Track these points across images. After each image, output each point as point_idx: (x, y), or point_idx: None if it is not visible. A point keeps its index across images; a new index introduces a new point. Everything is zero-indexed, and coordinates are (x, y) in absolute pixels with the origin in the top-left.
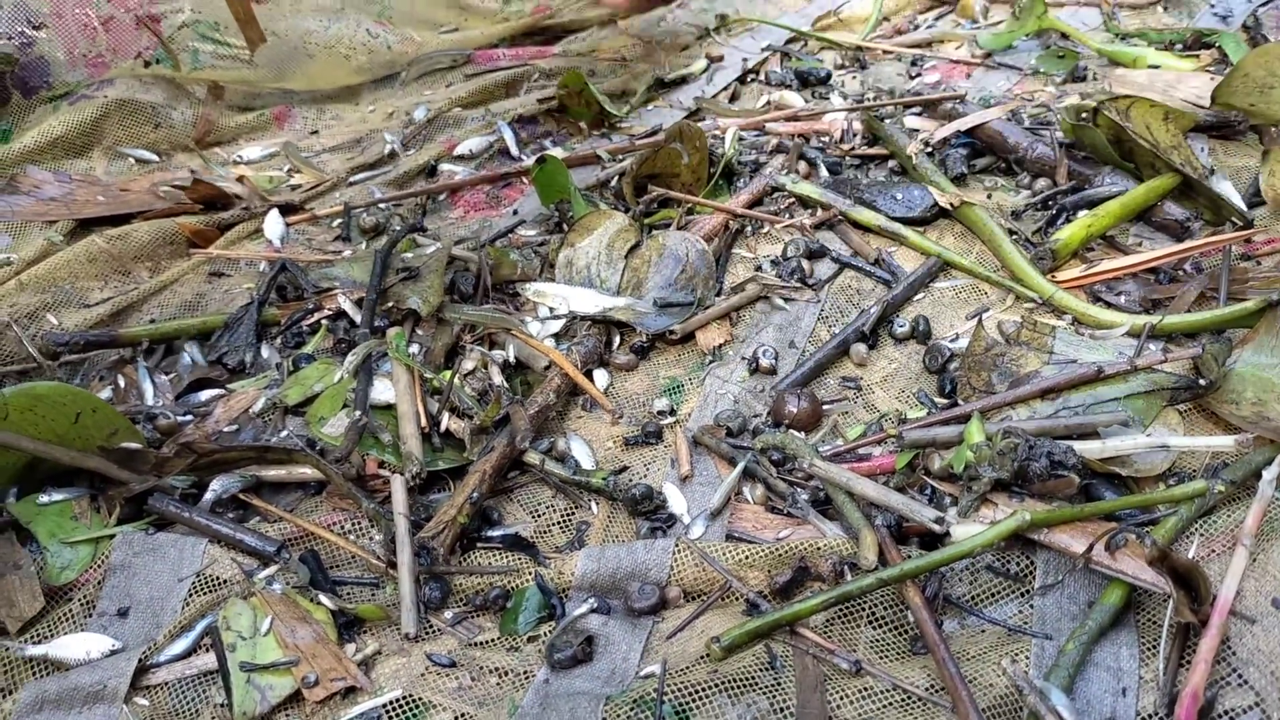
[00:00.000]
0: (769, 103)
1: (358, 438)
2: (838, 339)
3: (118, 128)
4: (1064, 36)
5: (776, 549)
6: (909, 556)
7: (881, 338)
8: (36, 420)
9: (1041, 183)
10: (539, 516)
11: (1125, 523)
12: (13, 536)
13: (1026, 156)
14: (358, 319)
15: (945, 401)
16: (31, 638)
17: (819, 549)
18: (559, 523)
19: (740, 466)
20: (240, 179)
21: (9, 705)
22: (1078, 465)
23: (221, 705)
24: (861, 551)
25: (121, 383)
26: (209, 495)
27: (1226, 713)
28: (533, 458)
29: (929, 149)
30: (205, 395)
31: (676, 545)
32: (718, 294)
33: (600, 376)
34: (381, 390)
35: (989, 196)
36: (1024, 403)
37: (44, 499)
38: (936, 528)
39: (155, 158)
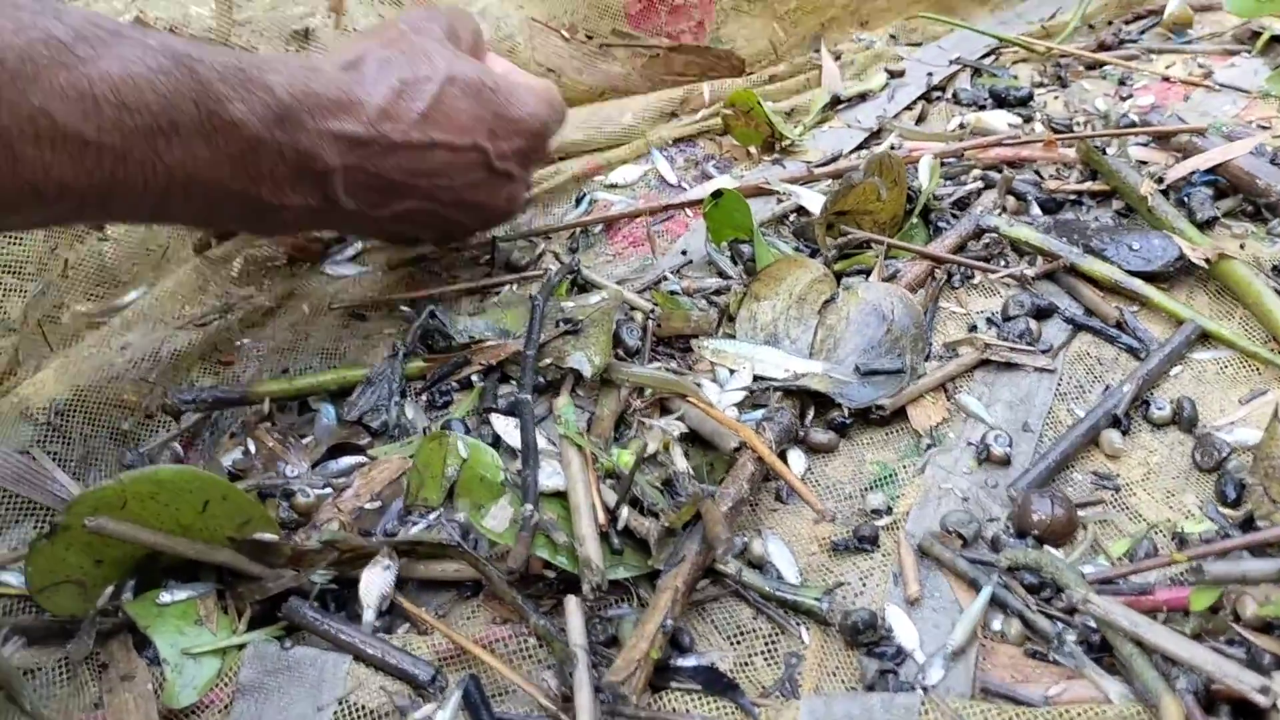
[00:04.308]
0: (962, 125)
1: (530, 541)
2: (1085, 424)
3: None
4: None
5: (1049, 714)
6: None
7: (1134, 421)
8: (158, 509)
9: None
10: (738, 643)
11: None
12: (128, 640)
13: None
14: (512, 374)
15: (1232, 514)
16: None
17: (1105, 717)
18: (762, 652)
19: (986, 594)
20: None
21: None
22: None
23: None
24: None
25: (252, 446)
26: (367, 616)
27: None
28: (728, 565)
29: (1163, 187)
30: (344, 462)
31: (923, 704)
32: (926, 357)
33: (796, 459)
34: (548, 474)
35: (1241, 247)
36: None
37: (165, 597)
38: (1260, 699)
39: None
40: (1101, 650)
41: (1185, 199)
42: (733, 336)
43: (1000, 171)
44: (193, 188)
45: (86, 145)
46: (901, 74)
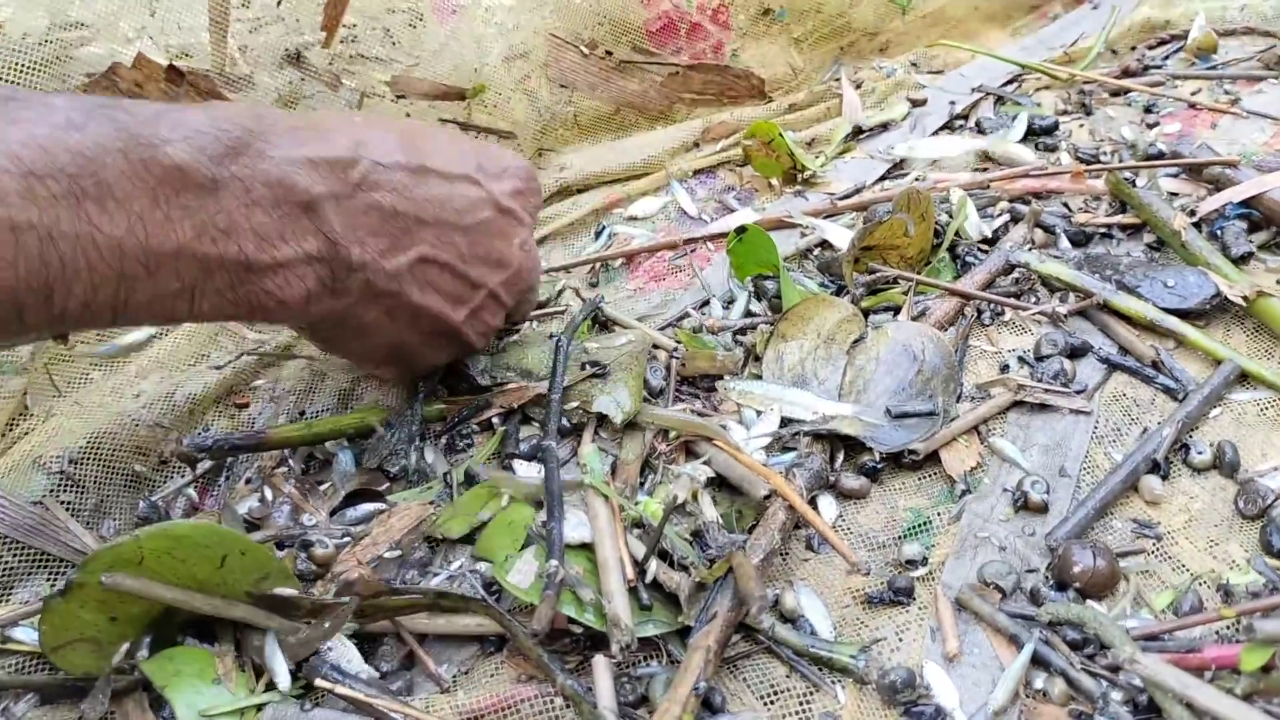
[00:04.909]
0: (985, 156)
1: (556, 600)
2: (1124, 469)
3: None
4: None
5: None
6: None
7: (1173, 466)
8: (175, 565)
9: None
10: (771, 703)
11: None
12: (144, 699)
13: None
14: (534, 417)
15: (1279, 564)
16: None
17: None
18: (797, 711)
19: (1028, 651)
20: None
21: None
22: None
23: None
24: None
25: (269, 494)
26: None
27: None
28: (761, 621)
29: (1196, 221)
30: (363, 509)
31: None
32: (957, 399)
33: (827, 506)
34: (574, 525)
35: (1277, 282)
36: None
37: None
38: None
39: None
40: (1149, 711)
41: (1218, 233)
42: (759, 377)
43: (1027, 203)
44: (156, 263)
45: None
46: (923, 102)
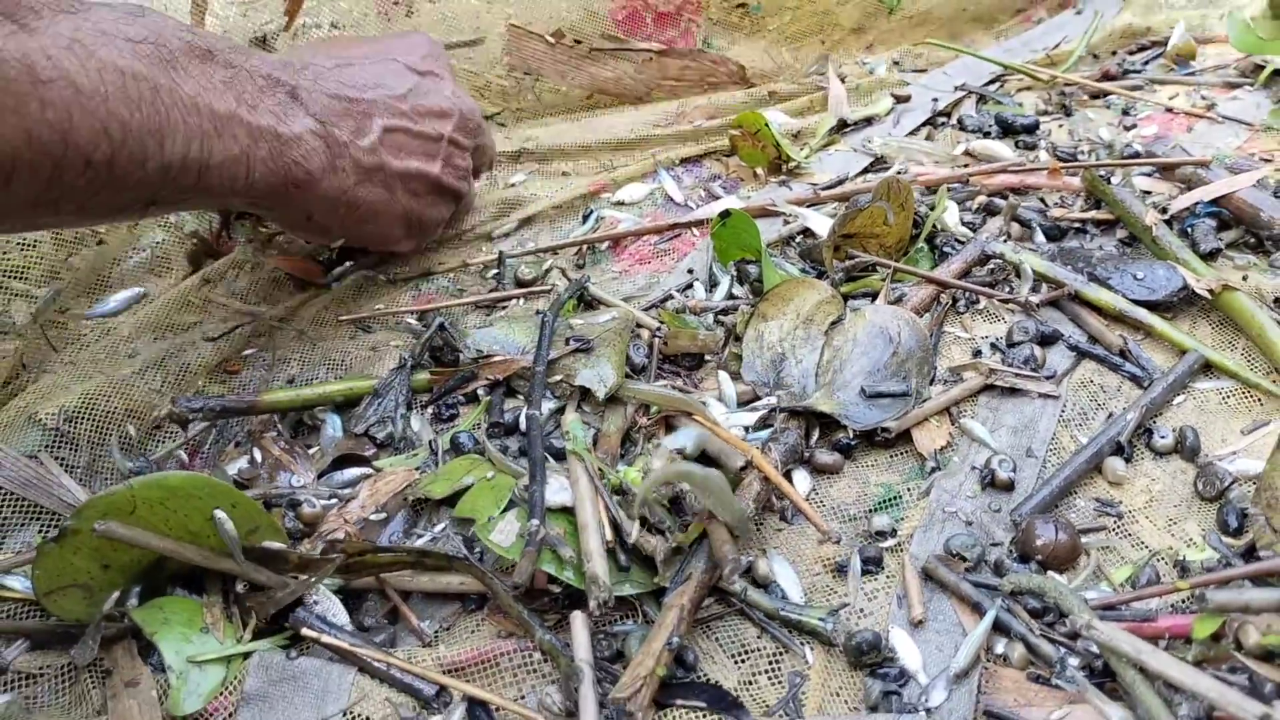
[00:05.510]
0: (967, 152)
1: (536, 556)
2: (1089, 451)
3: None
4: None
5: None
6: None
7: (1136, 449)
8: (167, 515)
9: None
10: (742, 662)
11: None
12: (133, 646)
13: None
14: (518, 389)
15: (1234, 543)
16: None
17: None
18: (766, 670)
19: (989, 617)
20: None
21: None
22: None
23: None
24: None
25: (258, 455)
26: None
27: None
28: (733, 584)
29: (1167, 218)
30: (350, 473)
31: None
32: (930, 381)
33: (801, 480)
34: (556, 490)
35: (1244, 279)
36: None
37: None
38: None
39: None
40: (1104, 676)
41: (1189, 230)
42: (740, 356)
43: (1005, 198)
44: (220, 125)
45: (123, 74)
46: (907, 99)
